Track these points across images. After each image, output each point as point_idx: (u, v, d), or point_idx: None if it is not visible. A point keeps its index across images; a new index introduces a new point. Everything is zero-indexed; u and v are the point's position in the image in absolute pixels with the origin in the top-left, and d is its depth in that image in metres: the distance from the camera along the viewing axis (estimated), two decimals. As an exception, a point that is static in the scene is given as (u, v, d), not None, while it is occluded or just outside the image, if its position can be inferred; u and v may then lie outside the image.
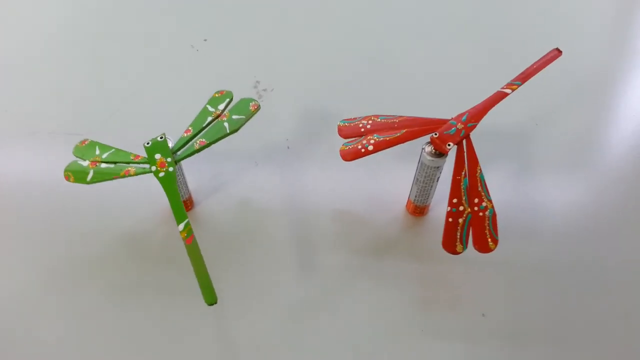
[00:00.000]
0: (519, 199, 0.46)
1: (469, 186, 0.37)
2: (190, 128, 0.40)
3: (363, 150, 0.39)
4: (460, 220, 0.36)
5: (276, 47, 0.57)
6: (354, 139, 0.40)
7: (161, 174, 0.37)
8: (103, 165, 0.39)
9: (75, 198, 0.44)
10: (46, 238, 0.43)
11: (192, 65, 0.55)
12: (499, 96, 0.39)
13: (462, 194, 0.37)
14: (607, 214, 0.45)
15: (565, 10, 0.62)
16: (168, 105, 0.51)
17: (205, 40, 0.57)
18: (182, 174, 0.41)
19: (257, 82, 0.53)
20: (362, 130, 0.40)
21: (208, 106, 0.40)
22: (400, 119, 0.40)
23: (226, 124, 0.39)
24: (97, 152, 0.39)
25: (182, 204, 0.36)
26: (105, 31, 0.58)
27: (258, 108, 0.40)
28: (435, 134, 0.38)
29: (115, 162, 0.39)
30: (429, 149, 0.38)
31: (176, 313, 0.39)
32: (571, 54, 0.52)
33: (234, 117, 0.40)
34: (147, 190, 0.44)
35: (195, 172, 0.45)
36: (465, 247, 0.37)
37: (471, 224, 0.37)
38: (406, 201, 0.44)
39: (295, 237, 0.43)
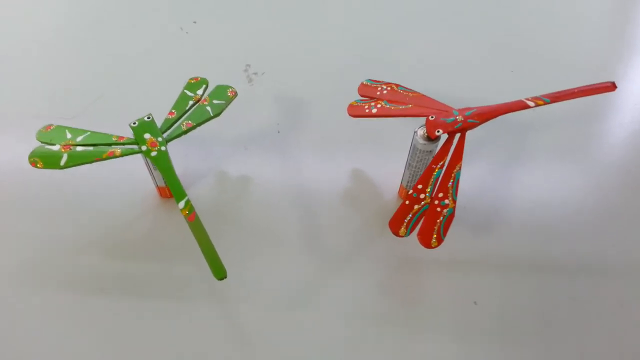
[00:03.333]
0: (514, 186, 0.44)
1: (441, 179, 0.36)
2: (173, 111, 0.39)
3: (367, 110, 0.39)
4: (416, 207, 0.36)
5: (267, 30, 0.55)
6: (367, 98, 0.41)
7: (153, 153, 0.36)
8: (79, 148, 0.36)
9: (53, 185, 0.43)
10: (23, 227, 0.41)
11: (181, 48, 0.53)
12: (518, 105, 0.36)
13: (430, 183, 0.36)
14: (605, 204, 0.44)
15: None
16: (155, 89, 0.49)
17: (195, 22, 0.55)
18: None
19: (248, 65, 0.51)
20: (378, 94, 0.40)
21: (186, 91, 0.40)
22: (415, 94, 0.39)
23: (209, 108, 0.39)
24: (69, 135, 0.37)
25: (179, 182, 0.36)
26: (91, 14, 0.56)
27: (235, 94, 0.40)
28: (432, 117, 0.37)
29: (94, 145, 0.36)
30: (421, 132, 0.37)
31: (166, 303, 0.38)
32: (571, 40, 0.55)
33: (215, 101, 0.40)
34: (127, 178, 0.43)
35: (182, 157, 0.45)
36: (408, 233, 0.36)
37: (425, 214, 0.36)
38: (399, 187, 0.43)
39: (285, 222, 0.42)
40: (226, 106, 0.40)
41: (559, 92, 0.37)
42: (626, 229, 0.42)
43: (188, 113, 0.39)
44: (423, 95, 0.39)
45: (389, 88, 0.40)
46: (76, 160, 0.35)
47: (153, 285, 0.39)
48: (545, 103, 0.36)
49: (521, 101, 0.36)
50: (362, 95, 0.41)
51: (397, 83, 0.41)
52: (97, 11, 0.56)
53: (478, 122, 0.36)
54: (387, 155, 0.46)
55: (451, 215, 0.35)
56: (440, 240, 0.35)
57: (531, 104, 0.36)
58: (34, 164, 0.35)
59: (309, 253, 0.41)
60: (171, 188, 0.35)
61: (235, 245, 0.41)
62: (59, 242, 0.41)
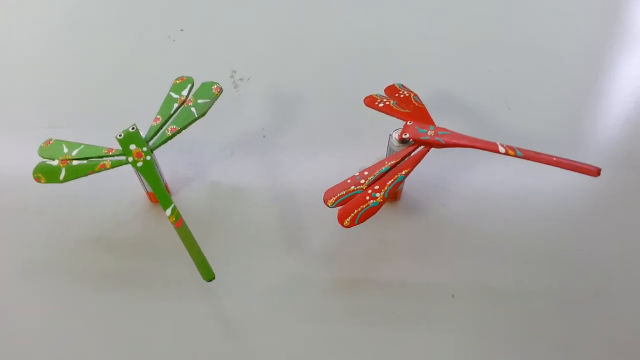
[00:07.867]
0: (491, 185, 0.46)
1: (385, 175, 0.38)
2: (158, 116, 0.40)
3: (377, 103, 0.43)
4: (352, 187, 0.38)
5: (253, 36, 0.56)
6: (385, 96, 0.44)
7: (139, 164, 0.38)
8: (75, 162, 0.38)
9: (47, 189, 0.42)
10: (20, 234, 0.43)
11: (169, 55, 0.54)
12: (489, 146, 0.36)
13: (374, 175, 0.38)
14: (589, 203, 0.44)
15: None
16: (144, 96, 0.48)
17: (182, 30, 0.56)
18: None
19: (234, 71, 0.53)
20: (397, 95, 0.43)
21: (171, 93, 0.41)
22: (419, 105, 0.41)
23: (193, 109, 0.40)
24: (66, 150, 0.39)
25: (165, 190, 0.37)
26: (81, 22, 0.57)
27: (221, 91, 0.41)
28: (410, 122, 0.39)
29: (87, 158, 0.39)
30: (395, 135, 0.39)
31: (158, 302, 0.40)
32: (557, 39, 0.55)
33: (200, 101, 0.40)
34: (119, 183, 0.45)
35: (170, 163, 0.46)
36: (334, 205, 0.38)
37: (354, 197, 0.38)
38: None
39: (273, 224, 0.44)
40: (211, 104, 0.41)
41: (535, 153, 0.36)
42: (616, 222, 0.43)
43: (173, 117, 0.40)
44: (425, 108, 0.41)
45: (407, 94, 0.43)
46: (73, 174, 0.38)
47: (145, 285, 0.41)
48: (516, 156, 0.36)
49: (494, 144, 0.36)
50: (385, 94, 0.44)
51: (416, 93, 0.43)
52: (87, 20, 0.58)
53: (443, 143, 0.37)
54: (371, 156, 0.47)
55: (374, 208, 0.37)
56: (352, 223, 0.37)
57: (502, 149, 0.36)
58: (37, 179, 0.39)
59: (295, 254, 0.43)
60: (158, 196, 0.37)
61: (223, 248, 0.42)
62: (53, 244, 0.43)
